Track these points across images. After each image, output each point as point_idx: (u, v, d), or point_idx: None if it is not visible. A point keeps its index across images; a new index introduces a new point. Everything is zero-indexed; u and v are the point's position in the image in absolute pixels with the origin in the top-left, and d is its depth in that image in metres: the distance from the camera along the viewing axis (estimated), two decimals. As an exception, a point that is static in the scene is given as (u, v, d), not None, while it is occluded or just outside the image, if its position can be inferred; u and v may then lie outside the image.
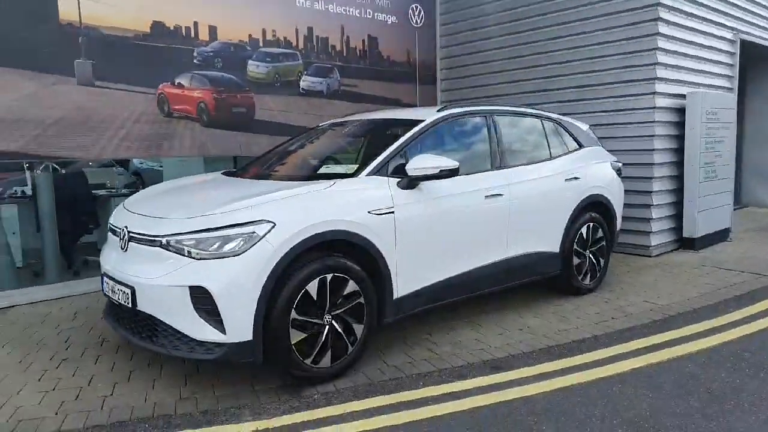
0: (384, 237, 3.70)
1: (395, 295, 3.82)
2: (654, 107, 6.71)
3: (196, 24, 6.42)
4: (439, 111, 4.48)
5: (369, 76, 8.11)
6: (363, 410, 3.17)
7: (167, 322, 3.24)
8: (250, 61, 6.86)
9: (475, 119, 4.70)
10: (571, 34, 7.26)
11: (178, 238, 3.23)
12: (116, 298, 3.54)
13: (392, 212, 3.74)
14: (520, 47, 7.80)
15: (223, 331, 3.12)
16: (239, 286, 3.12)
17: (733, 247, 7.33)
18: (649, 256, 6.91)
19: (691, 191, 7.14)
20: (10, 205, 6.47)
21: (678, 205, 7.27)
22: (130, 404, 3.24)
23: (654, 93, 6.68)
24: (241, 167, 5.10)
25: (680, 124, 7.11)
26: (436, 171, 3.87)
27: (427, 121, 4.29)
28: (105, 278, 3.71)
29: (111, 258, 3.72)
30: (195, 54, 6.42)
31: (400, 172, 3.91)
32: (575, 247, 5.19)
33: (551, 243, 4.97)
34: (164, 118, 6.19)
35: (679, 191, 7.25)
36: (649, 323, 4.56)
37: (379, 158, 3.92)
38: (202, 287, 3.10)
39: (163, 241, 3.28)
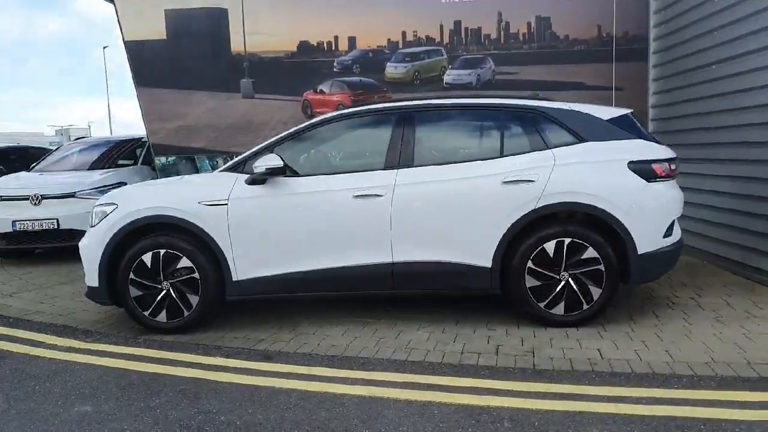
0: (216, 225, 4.33)
1: (235, 277, 4.38)
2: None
3: (336, 38, 7.60)
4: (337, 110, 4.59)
5: (537, 60, 7.54)
6: (141, 356, 4.05)
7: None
8: (388, 64, 7.59)
9: (378, 117, 4.51)
10: None
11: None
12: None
13: (225, 204, 4.33)
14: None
15: (86, 277, 4.55)
16: (90, 247, 4.47)
17: None
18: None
19: None
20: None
21: None
22: (40, 311, 5.08)
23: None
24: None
25: None
26: (263, 169, 4.23)
27: (305, 124, 4.51)
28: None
29: None
30: (335, 64, 7.62)
31: (261, 169, 4.38)
32: (530, 265, 4.24)
33: (474, 254, 4.25)
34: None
35: None
36: (511, 370, 3.57)
37: (240, 157, 4.51)
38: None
39: (91, 212, 4.88)
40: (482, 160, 4.34)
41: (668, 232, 4.29)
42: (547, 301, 4.25)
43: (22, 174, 8.26)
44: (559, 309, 4.26)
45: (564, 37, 7.47)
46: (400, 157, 4.35)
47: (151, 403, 3.28)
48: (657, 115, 7.38)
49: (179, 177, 4.86)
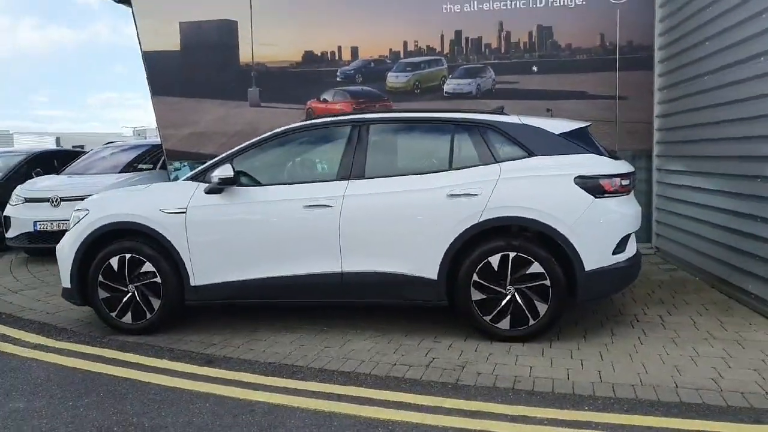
0: (176, 232, 4.53)
1: (193, 283, 4.57)
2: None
3: (339, 48, 7.74)
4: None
5: (538, 69, 7.43)
6: (98, 355, 4.30)
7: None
8: (389, 73, 7.66)
9: (334, 129, 4.61)
10: None
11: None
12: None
13: (184, 213, 4.53)
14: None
15: (61, 279, 4.86)
16: (64, 249, 4.77)
17: None
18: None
19: None
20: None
21: None
22: (33, 308, 5.46)
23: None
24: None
25: None
26: (216, 179, 4.41)
27: (264, 135, 4.66)
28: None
29: None
30: (338, 73, 7.76)
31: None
32: (475, 278, 4.22)
33: (420, 266, 4.28)
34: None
35: None
36: (432, 384, 3.58)
37: (202, 167, 4.71)
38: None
39: (76, 215, 5.20)
40: (431, 172, 4.37)
41: (619, 249, 4.18)
42: (493, 315, 4.22)
43: (51, 176, 8.83)
44: (505, 323, 4.22)
45: (566, 46, 7.33)
46: (352, 169, 4.43)
47: (79, 403, 3.49)
48: (663, 125, 7.11)
49: (148, 185, 5.12)
